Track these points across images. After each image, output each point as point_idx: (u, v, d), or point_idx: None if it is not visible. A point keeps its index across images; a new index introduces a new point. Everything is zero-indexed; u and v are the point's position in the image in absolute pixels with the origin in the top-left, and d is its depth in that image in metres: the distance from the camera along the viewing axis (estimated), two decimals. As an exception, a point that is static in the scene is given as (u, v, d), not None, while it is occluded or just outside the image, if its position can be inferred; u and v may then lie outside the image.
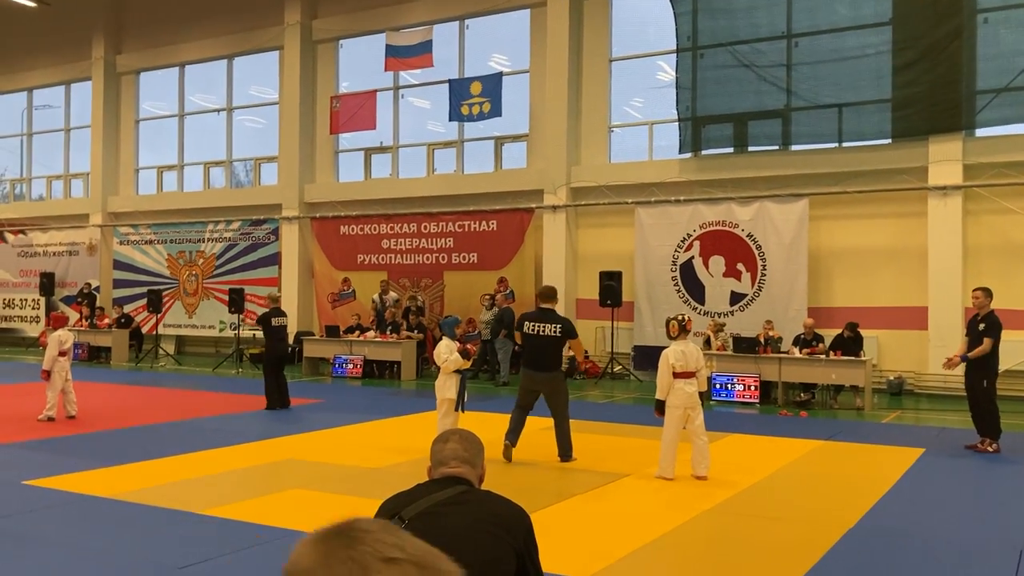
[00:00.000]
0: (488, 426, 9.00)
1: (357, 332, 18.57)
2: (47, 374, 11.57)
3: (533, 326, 9.02)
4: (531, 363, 9.14)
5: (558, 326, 9.01)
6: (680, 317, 8.76)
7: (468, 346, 10.09)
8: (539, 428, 11.43)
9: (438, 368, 9.34)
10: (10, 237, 26.78)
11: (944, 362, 10.40)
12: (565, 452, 9.10)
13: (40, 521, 6.65)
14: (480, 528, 2.81)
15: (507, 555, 2.80)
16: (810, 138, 16.53)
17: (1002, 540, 6.49)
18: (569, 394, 9.39)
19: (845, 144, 16.23)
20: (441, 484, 2.98)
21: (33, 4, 23.53)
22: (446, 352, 9.48)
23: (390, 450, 9.77)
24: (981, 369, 10.05)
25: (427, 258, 20.13)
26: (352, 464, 9.05)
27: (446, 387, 9.52)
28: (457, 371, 9.66)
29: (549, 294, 9.29)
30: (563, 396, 9.16)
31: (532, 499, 7.02)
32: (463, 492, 2.94)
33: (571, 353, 10.53)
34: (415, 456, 9.19)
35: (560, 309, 18.11)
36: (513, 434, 9.21)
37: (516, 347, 18.19)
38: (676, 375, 8.44)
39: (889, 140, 15.87)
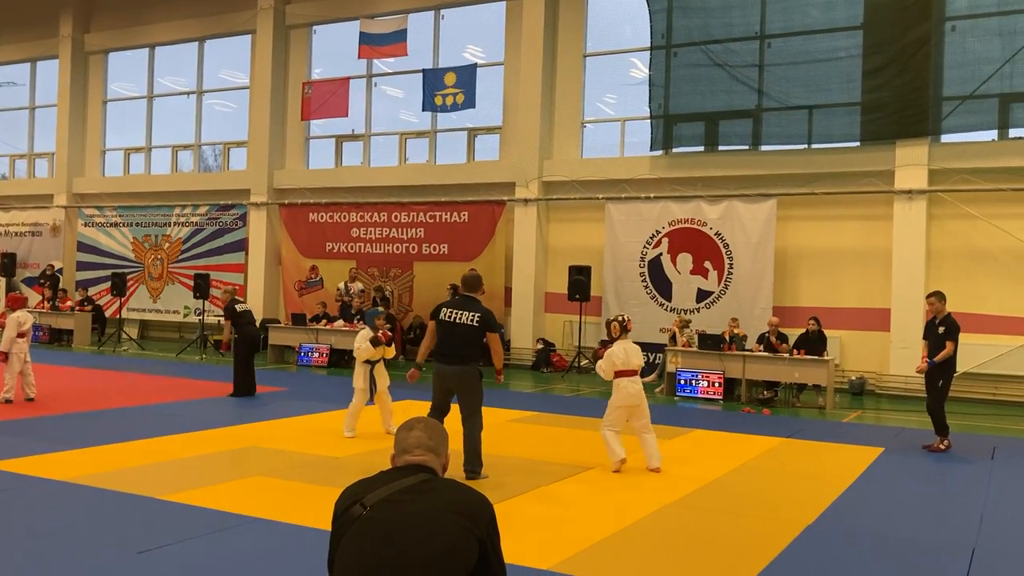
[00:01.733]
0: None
1: (324, 321, 18.46)
2: (4, 356, 11.39)
3: (450, 313, 7.96)
4: (442, 354, 7.99)
5: (476, 315, 7.91)
6: (620, 318, 8.97)
7: (379, 334, 9.92)
8: (505, 420, 11.46)
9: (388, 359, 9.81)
10: (-29, 216, 26.27)
11: (917, 368, 10.56)
12: (472, 466, 7.89)
13: (-4, 504, 6.55)
14: (442, 516, 2.81)
15: (469, 543, 2.80)
16: (780, 139, 16.69)
17: (956, 539, 6.61)
18: (484, 395, 8.15)
19: (814, 145, 16.41)
20: (404, 472, 2.97)
21: (-1, -21, 23.06)
22: (360, 340, 9.80)
23: (354, 439, 9.74)
24: (940, 370, 10.25)
25: (397, 248, 20.06)
26: (316, 452, 9.01)
27: (357, 376, 9.90)
28: (368, 361, 9.88)
29: (473, 282, 8.25)
30: (475, 396, 8.00)
31: (496, 490, 7.04)
32: (426, 480, 2.94)
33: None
34: (380, 446, 9.18)
35: (529, 302, 18.46)
36: None
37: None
38: (620, 373, 8.64)
39: (857, 143, 16.06)
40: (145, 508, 6.60)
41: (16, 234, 25.32)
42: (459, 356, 7.91)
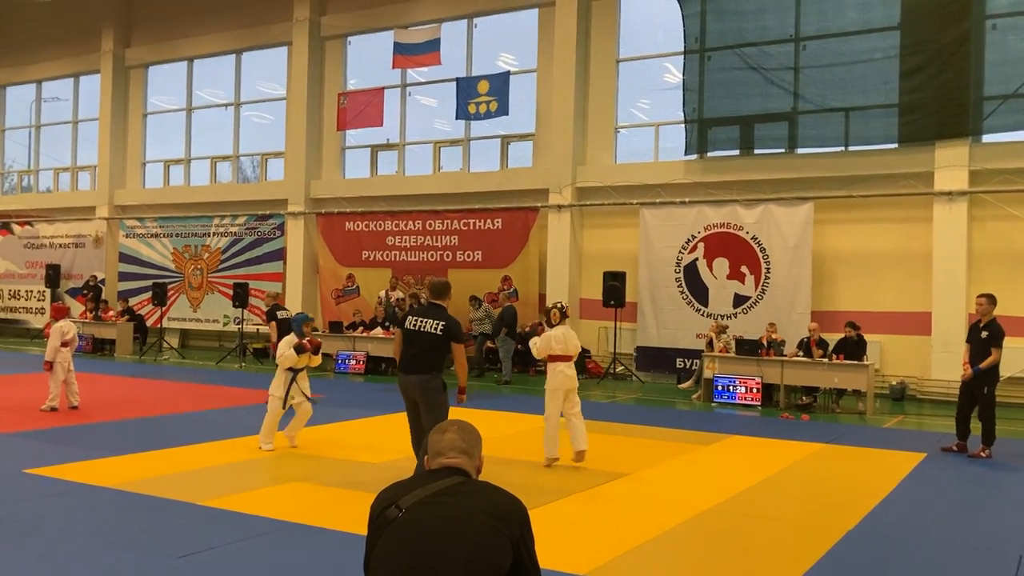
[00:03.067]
0: (490, 425, 9.02)
1: (360, 328, 18.60)
2: (49, 365, 11.61)
3: (414, 321, 7.68)
4: (404, 364, 7.64)
5: (441, 323, 7.57)
6: (559, 304, 9.33)
7: (305, 342, 9.34)
8: (539, 426, 11.45)
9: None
10: (17, 229, 26.85)
11: (964, 375, 10.36)
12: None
13: (41, 510, 6.68)
14: (477, 518, 2.82)
15: (503, 546, 2.81)
16: (816, 141, 16.52)
17: (1001, 546, 6.49)
18: (448, 408, 7.59)
19: (851, 148, 16.23)
20: (438, 474, 2.99)
21: (43, -4, 23.58)
22: (284, 347, 9.31)
23: (390, 445, 9.78)
24: (985, 377, 10.08)
25: (432, 255, 20.16)
26: (353, 458, 9.07)
27: (275, 383, 9.37)
28: (292, 369, 9.31)
29: (439, 289, 7.89)
30: (438, 409, 7.46)
31: (531, 496, 7.01)
32: (460, 483, 2.95)
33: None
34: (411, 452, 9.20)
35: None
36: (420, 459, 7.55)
37: (518, 345, 18.29)
38: (556, 358, 8.92)
39: (895, 145, 15.85)
40: (186, 513, 6.69)
41: (60, 246, 25.83)
42: (420, 365, 7.54)
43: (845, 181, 16.19)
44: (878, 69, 15.84)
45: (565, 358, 8.93)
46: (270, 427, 9.28)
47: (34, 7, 25.42)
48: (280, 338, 13.28)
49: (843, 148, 16.29)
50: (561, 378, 8.88)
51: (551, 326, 9.17)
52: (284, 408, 9.29)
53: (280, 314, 13.67)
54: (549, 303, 18.45)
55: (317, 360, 9.62)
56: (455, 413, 7.66)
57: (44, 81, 27.26)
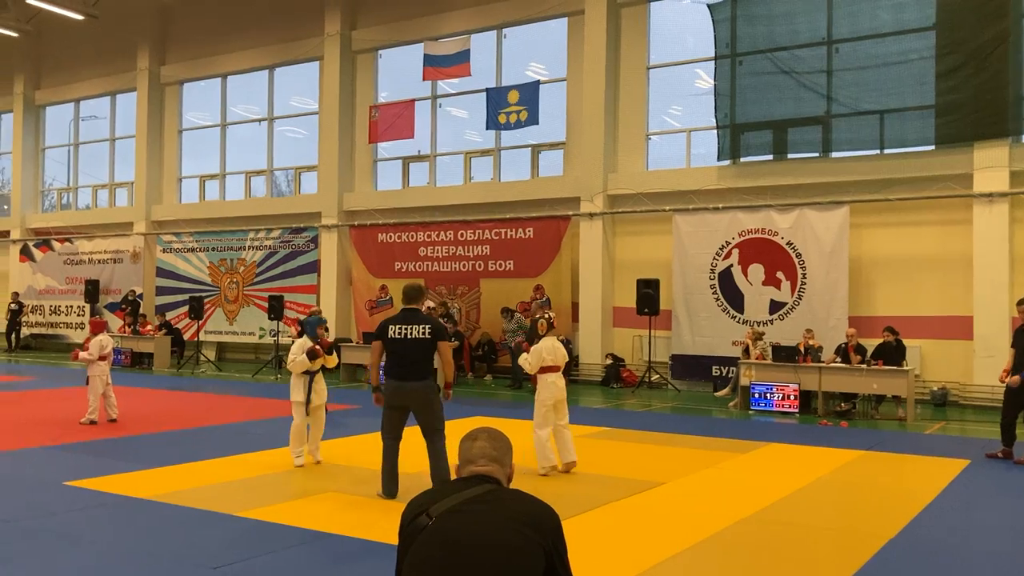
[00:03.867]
0: (525, 434, 8.97)
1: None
2: (89, 362, 11.73)
3: (398, 329, 7.58)
4: (396, 372, 7.61)
5: (427, 327, 7.58)
6: (548, 316, 9.29)
7: (316, 347, 9.08)
8: (575, 435, 11.38)
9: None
10: (57, 245, 27.33)
11: (1011, 381, 10.09)
12: (441, 479, 7.49)
13: (81, 521, 6.75)
14: (508, 526, 2.79)
15: (535, 554, 2.78)
16: (851, 145, 16.32)
17: (1049, 553, 6.31)
18: (444, 412, 7.77)
19: (887, 151, 16.01)
20: (469, 482, 2.96)
21: (80, 17, 24.02)
22: (296, 351, 9.07)
23: (422, 455, 9.76)
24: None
25: (463, 265, 20.18)
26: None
27: (294, 388, 9.11)
28: (307, 372, 9.10)
29: (413, 293, 7.81)
30: (438, 413, 7.64)
31: (564, 506, 6.97)
32: (491, 491, 2.92)
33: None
34: (449, 461, 9.19)
35: (597, 317, 18.35)
36: (389, 483, 7.67)
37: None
38: (546, 369, 8.89)
39: (932, 146, 15.61)
40: (222, 524, 6.72)
41: (99, 261, 26.24)
42: (418, 372, 7.55)
43: (881, 184, 15.96)
44: (913, 70, 15.63)
45: (554, 369, 8.93)
46: (298, 435, 9.05)
47: (72, 29, 25.91)
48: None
49: (879, 151, 16.08)
50: (552, 389, 8.84)
51: (537, 337, 9.13)
52: (308, 413, 9.09)
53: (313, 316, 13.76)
54: (582, 312, 18.55)
55: (333, 360, 9.46)
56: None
57: (82, 100, 27.76)
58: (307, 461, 9.16)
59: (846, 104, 16.20)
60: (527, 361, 8.96)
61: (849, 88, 16.16)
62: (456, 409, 13.19)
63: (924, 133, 15.62)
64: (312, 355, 8.98)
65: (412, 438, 7.93)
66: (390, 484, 7.65)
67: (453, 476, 3.09)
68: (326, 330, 9.57)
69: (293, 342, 9.61)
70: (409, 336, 7.54)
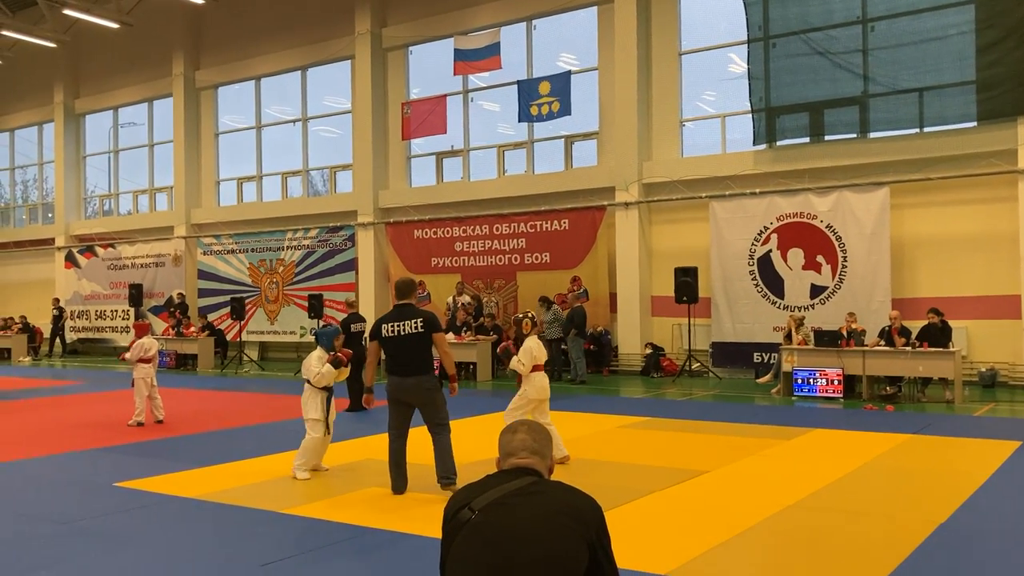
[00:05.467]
0: (566, 426, 8.96)
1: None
2: (134, 362, 11.94)
3: (391, 327, 7.54)
4: (395, 369, 7.55)
5: (419, 320, 7.53)
6: (532, 315, 9.40)
7: (339, 354, 8.70)
8: (615, 426, 11.36)
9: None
10: (100, 251, 27.82)
11: None
12: (446, 473, 7.54)
13: (131, 521, 6.87)
14: (552, 519, 2.79)
15: (579, 546, 2.77)
16: (889, 124, 16.05)
17: (1106, 535, 6.17)
18: (447, 403, 7.80)
19: (927, 129, 15.72)
20: (510, 475, 2.96)
21: (116, 25, 24.38)
22: (317, 364, 8.49)
23: (465, 449, 9.79)
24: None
25: (500, 259, 20.20)
26: (428, 463, 9.10)
27: (310, 405, 8.52)
28: (324, 388, 8.59)
29: (405, 289, 7.75)
30: (441, 406, 7.66)
31: (608, 496, 6.95)
32: (533, 483, 2.92)
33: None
34: (490, 455, 9.21)
35: (635, 307, 18.26)
36: (399, 477, 7.67)
37: (590, 345, 18.19)
38: (535, 367, 8.85)
39: (974, 123, 15.32)
40: (269, 522, 6.80)
41: (142, 266, 26.67)
42: (415, 367, 7.51)
43: (922, 163, 15.69)
44: (952, 46, 15.32)
45: (540, 367, 8.92)
46: (312, 451, 8.47)
47: (108, 37, 26.30)
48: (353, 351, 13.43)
49: (918, 130, 15.79)
50: (539, 387, 8.81)
51: (523, 337, 9.10)
52: (328, 432, 8.61)
53: (354, 327, 13.64)
54: (620, 302, 18.46)
55: (345, 373, 9.04)
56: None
57: (120, 107, 28.20)
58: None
59: (883, 83, 15.92)
60: (520, 363, 8.81)
61: (886, 66, 15.88)
62: (493, 403, 13.23)
63: (965, 110, 15.31)
64: (337, 363, 8.60)
65: (412, 437, 7.97)
66: (398, 480, 7.65)
67: (494, 469, 3.09)
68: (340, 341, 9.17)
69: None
70: (402, 332, 7.52)
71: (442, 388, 7.73)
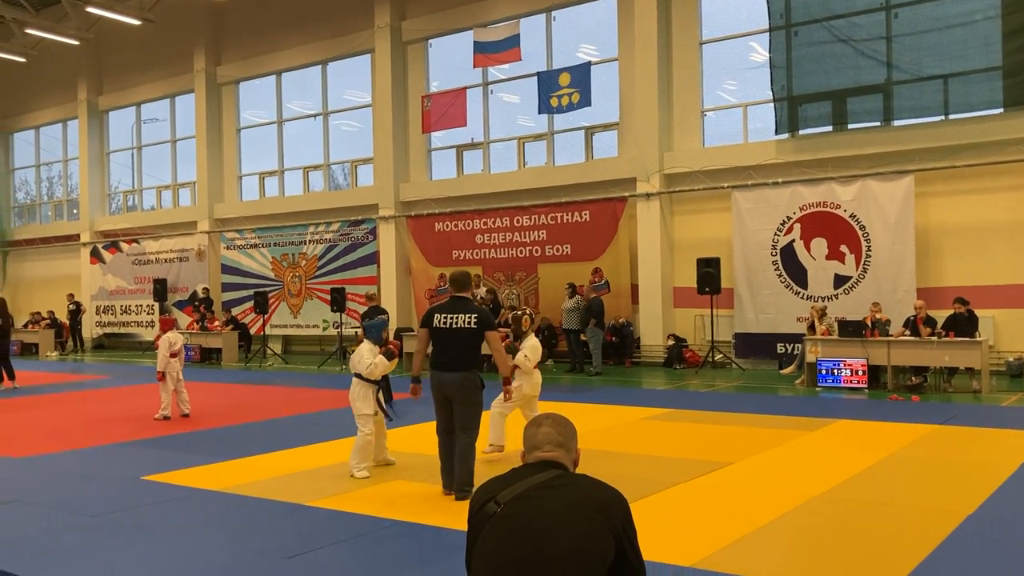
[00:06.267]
0: (585, 418, 8.96)
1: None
2: (162, 375, 12.07)
3: (444, 318, 7.32)
4: (439, 362, 7.34)
5: (473, 316, 7.29)
6: (531, 312, 9.46)
7: (390, 345, 8.41)
8: (638, 418, 11.34)
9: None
10: (125, 246, 28.08)
11: None
12: (463, 483, 7.13)
13: (158, 514, 6.94)
14: (577, 511, 2.79)
15: (605, 538, 2.77)
16: (914, 112, 15.88)
17: None
18: (482, 409, 7.53)
19: (952, 116, 15.54)
20: (535, 468, 2.96)
21: (137, 22, 24.55)
22: (369, 356, 8.19)
23: (486, 442, 9.81)
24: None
25: (520, 251, 20.19)
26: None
27: (361, 400, 8.21)
28: (373, 381, 8.31)
29: (463, 281, 7.58)
30: (475, 408, 7.37)
31: (632, 488, 6.93)
32: (558, 476, 2.92)
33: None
34: (514, 448, 9.22)
35: (657, 298, 18.20)
36: (448, 475, 7.40)
37: (611, 336, 18.15)
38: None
39: (1000, 110, 15.12)
40: (295, 514, 6.85)
41: (166, 260, 26.89)
42: (460, 363, 7.29)
43: (947, 151, 15.51)
44: (978, 31, 15.12)
45: (536, 364, 8.97)
46: (365, 450, 8.24)
47: (130, 34, 26.49)
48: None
49: (943, 117, 15.62)
50: (535, 384, 8.87)
51: (522, 334, 9.04)
52: (389, 420, 8.49)
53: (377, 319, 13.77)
54: (642, 293, 18.41)
55: (393, 364, 8.76)
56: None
57: (143, 104, 28.42)
58: (375, 464, 8.66)
59: (907, 70, 15.75)
60: (526, 359, 8.69)
61: (910, 53, 15.70)
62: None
63: (991, 96, 15.12)
64: (390, 354, 8.32)
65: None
66: (447, 479, 7.41)
67: (519, 463, 3.09)
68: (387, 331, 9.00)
69: (356, 333, 9.27)
70: (454, 326, 7.30)
71: (483, 389, 7.47)
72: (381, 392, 8.40)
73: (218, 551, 5.93)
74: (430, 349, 7.52)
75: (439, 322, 7.35)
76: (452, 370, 7.28)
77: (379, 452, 8.53)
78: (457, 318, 7.31)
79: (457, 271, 7.82)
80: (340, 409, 12.85)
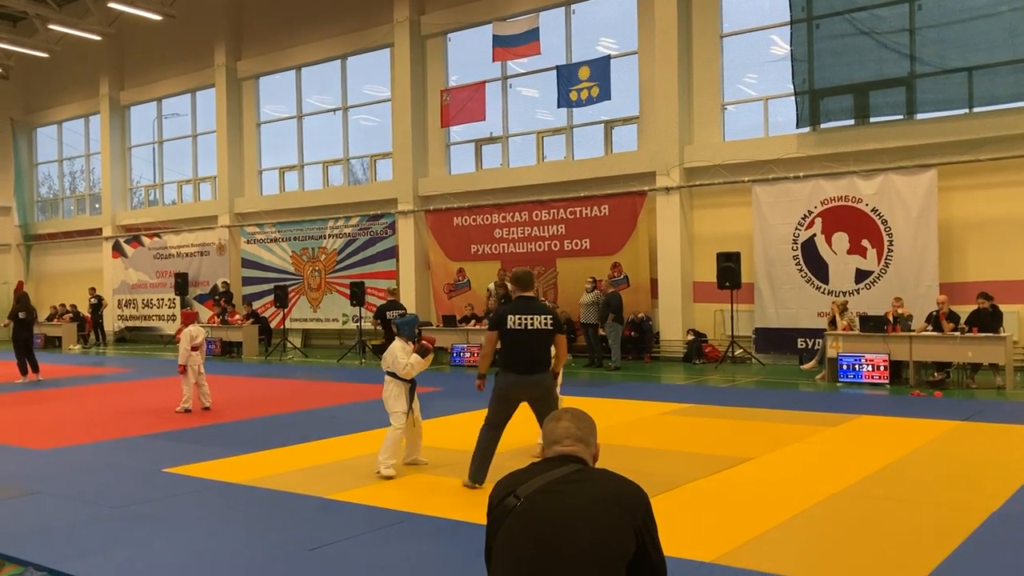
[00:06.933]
0: (604, 412, 8.93)
1: (473, 321, 18.78)
2: (183, 368, 12.15)
3: (519, 319, 7.20)
4: (517, 365, 7.22)
5: (548, 318, 7.27)
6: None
7: (424, 342, 8.25)
8: (657, 413, 11.31)
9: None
10: (146, 241, 28.29)
11: None
12: None
13: (178, 506, 6.99)
14: (597, 506, 2.78)
15: (626, 533, 2.76)
16: (937, 105, 15.71)
17: None
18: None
19: (976, 109, 15.37)
20: (555, 463, 2.95)
21: (158, 17, 24.68)
22: (403, 355, 7.99)
23: (508, 436, 9.81)
24: None
25: (539, 246, 20.17)
26: (469, 449, 9.13)
27: (394, 399, 8.03)
28: (407, 380, 8.09)
29: (528, 280, 7.48)
30: (553, 402, 7.36)
31: (652, 483, 6.91)
32: (578, 470, 2.91)
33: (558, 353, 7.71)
34: (530, 442, 9.21)
35: (676, 293, 18.13)
36: (481, 470, 7.37)
37: (630, 331, 18.10)
38: None
39: (1026, 102, 14.92)
40: (315, 507, 6.88)
41: (187, 255, 27.07)
42: (541, 364, 7.26)
43: (971, 145, 15.34)
44: (1004, 23, 14.94)
45: None
46: (396, 446, 8.05)
47: (151, 29, 26.65)
48: (388, 339, 13.51)
49: (967, 110, 15.45)
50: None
51: None
52: (416, 424, 8.28)
53: (390, 314, 13.70)
54: (661, 288, 18.34)
55: (428, 361, 8.59)
56: (566, 402, 7.60)
57: (164, 99, 28.59)
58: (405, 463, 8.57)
59: (931, 63, 15.58)
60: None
61: (934, 46, 15.53)
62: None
63: (1017, 88, 14.93)
64: (424, 351, 8.17)
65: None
66: (479, 471, 7.36)
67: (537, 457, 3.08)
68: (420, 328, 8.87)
69: (376, 327, 9.08)
70: (530, 327, 7.21)
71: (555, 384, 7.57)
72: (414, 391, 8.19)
73: (239, 543, 5.96)
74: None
75: (515, 323, 7.23)
76: (535, 372, 7.23)
77: (411, 451, 8.41)
78: (533, 319, 7.24)
79: (520, 270, 7.68)
80: (360, 403, 12.94)
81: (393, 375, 8.07)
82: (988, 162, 15.21)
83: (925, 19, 15.61)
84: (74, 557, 5.65)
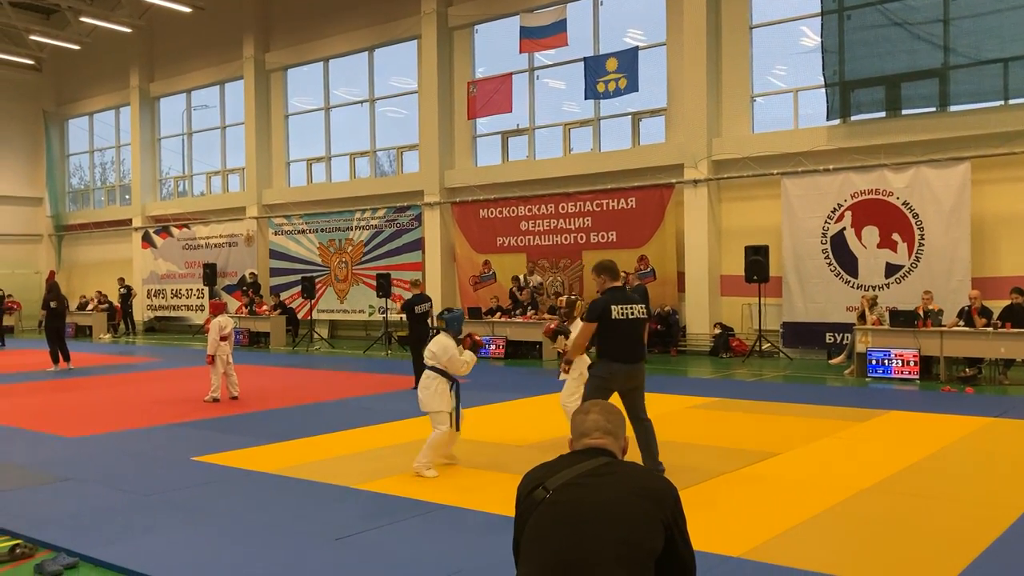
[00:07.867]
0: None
1: (499, 314, 18.79)
2: (211, 358, 12.26)
3: (621, 310, 7.20)
4: (625, 354, 7.21)
5: (643, 307, 7.44)
6: (580, 297, 8.99)
7: (475, 336, 8.12)
8: (685, 407, 11.25)
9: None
10: (175, 231, 28.54)
11: None
12: (657, 458, 7.33)
13: (207, 495, 7.05)
14: (626, 500, 2.76)
15: (655, 527, 2.74)
16: (971, 97, 15.46)
17: None
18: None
19: (1012, 101, 15.11)
20: (583, 456, 2.94)
21: (188, 9, 24.85)
22: (450, 352, 7.68)
23: (533, 428, 9.82)
24: None
25: (565, 238, 20.12)
26: (497, 441, 9.16)
27: (439, 397, 7.67)
28: (449, 377, 7.77)
29: (616, 270, 7.52)
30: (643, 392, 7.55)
31: (681, 477, 6.88)
32: (607, 463, 2.89)
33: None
34: (558, 434, 9.19)
35: (704, 286, 18.02)
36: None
37: (657, 325, 18.02)
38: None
39: (1063, 94, 14.66)
40: (342, 496, 6.91)
41: (215, 245, 27.28)
42: (642, 352, 7.46)
43: (1006, 137, 15.10)
44: (1040, 13, 14.66)
45: None
46: (440, 449, 7.77)
47: (181, 21, 26.83)
48: (413, 331, 13.49)
49: (1002, 102, 15.20)
50: (587, 362, 8.49)
51: (572, 318, 9.02)
52: (457, 427, 7.88)
53: (418, 308, 13.54)
54: (688, 281, 18.24)
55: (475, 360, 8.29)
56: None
57: (193, 90, 28.79)
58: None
59: (965, 54, 15.33)
60: (579, 347, 7.87)
61: (968, 36, 15.29)
62: (557, 383, 13.21)
63: (1053, 80, 14.67)
64: (476, 347, 8.02)
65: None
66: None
67: (567, 449, 3.06)
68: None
69: (402, 319, 8.95)
70: (631, 316, 7.27)
71: None
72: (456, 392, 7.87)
73: (266, 532, 6.00)
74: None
75: (619, 313, 7.21)
76: (638, 360, 7.37)
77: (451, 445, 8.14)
78: (632, 308, 7.32)
79: (606, 260, 7.66)
80: (385, 393, 12.98)
81: (439, 371, 7.73)
82: (1023, 155, 14.96)
83: (960, 9, 15.36)
84: (105, 543, 5.71)
